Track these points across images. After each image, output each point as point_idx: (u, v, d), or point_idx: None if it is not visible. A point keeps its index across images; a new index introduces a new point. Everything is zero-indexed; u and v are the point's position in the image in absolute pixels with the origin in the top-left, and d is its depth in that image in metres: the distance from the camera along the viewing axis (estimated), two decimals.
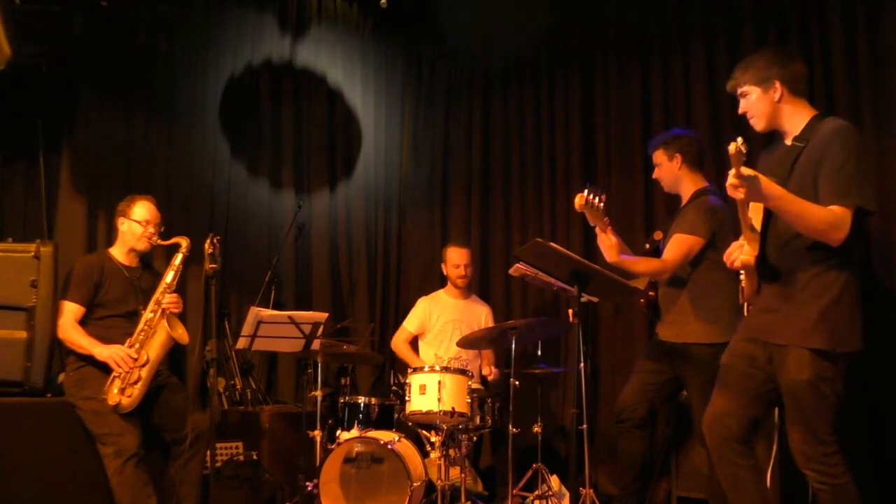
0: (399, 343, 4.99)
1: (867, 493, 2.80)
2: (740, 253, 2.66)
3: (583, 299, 3.63)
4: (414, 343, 5.00)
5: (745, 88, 2.80)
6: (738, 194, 2.47)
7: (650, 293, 3.83)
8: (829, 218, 2.53)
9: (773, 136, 2.91)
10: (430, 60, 6.19)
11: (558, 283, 4.08)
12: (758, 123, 2.82)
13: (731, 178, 2.43)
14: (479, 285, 5.49)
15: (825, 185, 2.58)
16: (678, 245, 3.53)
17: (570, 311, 4.09)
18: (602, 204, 3.22)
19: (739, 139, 2.35)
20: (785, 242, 2.67)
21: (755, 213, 2.67)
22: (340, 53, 5.97)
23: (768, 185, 2.49)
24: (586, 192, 3.15)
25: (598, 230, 3.42)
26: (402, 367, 4.92)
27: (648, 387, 3.71)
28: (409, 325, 4.98)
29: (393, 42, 6.21)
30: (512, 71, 5.72)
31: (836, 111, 4.06)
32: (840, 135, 2.61)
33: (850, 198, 2.55)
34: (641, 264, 3.57)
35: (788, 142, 2.78)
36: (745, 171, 2.41)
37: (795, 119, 2.77)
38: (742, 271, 2.73)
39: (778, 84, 2.74)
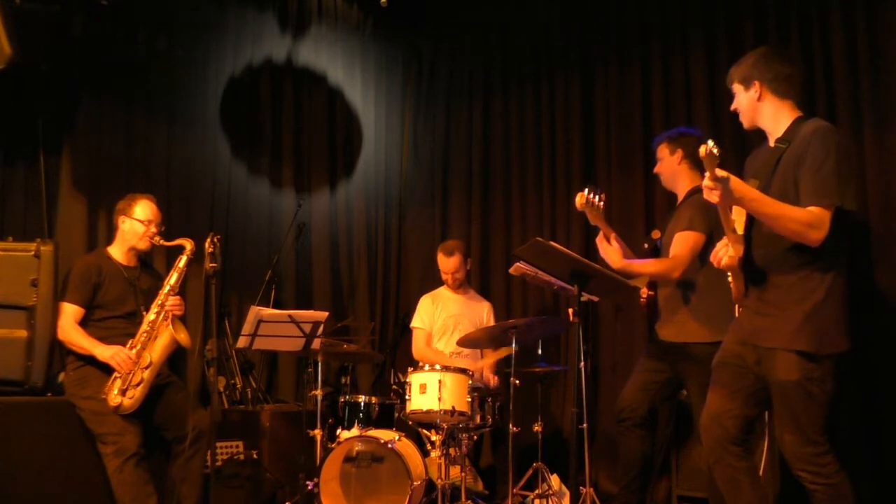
0: (421, 348, 4.85)
1: (866, 495, 2.80)
2: (725, 253, 2.67)
3: (583, 298, 3.63)
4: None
5: (733, 86, 2.87)
6: (714, 197, 2.50)
7: (649, 292, 3.84)
8: (806, 218, 2.55)
9: (765, 137, 2.93)
10: (430, 60, 6.19)
11: (558, 283, 4.08)
12: (743, 121, 2.89)
13: (706, 181, 2.46)
14: (480, 284, 5.49)
15: (804, 185, 2.60)
16: (682, 242, 3.54)
17: (570, 310, 4.10)
18: (602, 203, 3.27)
19: (710, 142, 2.37)
20: (769, 245, 2.69)
21: (738, 216, 2.69)
22: (341, 53, 5.98)
23: (743, 187, 2.51)
24: (586, 191, 3.21)
25: (599, 237, 3.46)
26: (402, 366, 4.92)
27: (649, 386, 3.72)
28: (422, 323, 4.89)
29: (393, 41, 6.22)
30: (512, 71, 5.71)
31: (836, 110, 4.08)
32: (819, 135, 2.63)
33: (829, 197, 2.56)
34: (650, 266, 3.60)
35: (772, 143, 2.81)
36: (720, 172, 2.43)
37: (777, 120, 2.79)
38: (728, 272, 2.74)
39: (757, 84, 2.78)
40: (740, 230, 2.68)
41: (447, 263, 4.86)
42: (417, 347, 4.90)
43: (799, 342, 2.61)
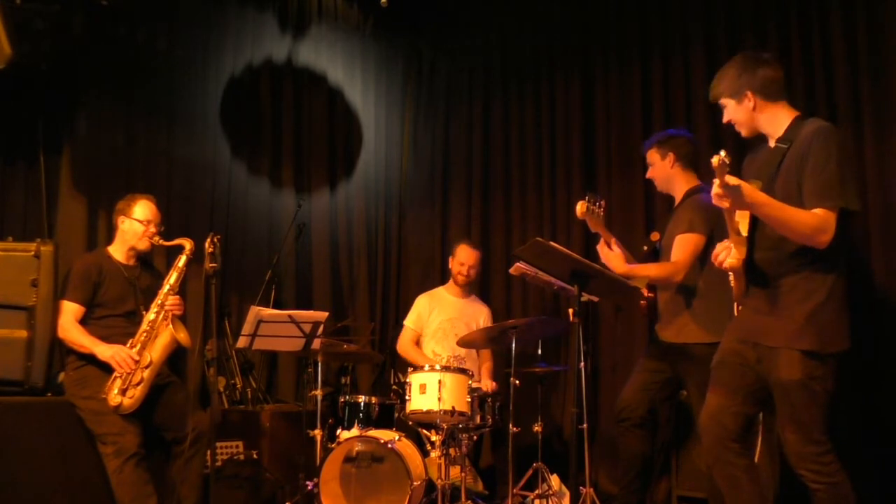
0: (405, 344, 4.92)
1: (867, 494, 2.80)
2: (727, 255, 2.68)
3: (583, 298, 3.63)
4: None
5: (722, 101, 2.87)
6: (724, 203, 2.51)
7: (649, 294, 3.84)
8: (813, 222, 2.56)
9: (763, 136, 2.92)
10: (430, 60, 6.19)
11: (558, 283, 4.08)
12: (741, 131, 2.89)
13: (715, 188, 2.47)
14: (480, 284, 5.48)
15: (808, 187, 2.62)
16: (684, 245, 3.54)
17: (570, 311, 4.09)
18: (602, 210, 3.29)
19: (722, 152, 2.38)
20: (772, 246, 2.70)
21: (742, 217, 2.69)
22: (341, 53, 5.97)
23: (752, 192, 2.52)
24: (587, 198, 3.22)
25: (601, 244, 3.47)
26: (402, 366, 4.92)
27: (649, 386, 3.72)
28: (410, 322, 4.96)
29: (393, 41, 6.22)
30: (512, 71, 5.71)
31: (836, 113, 4.08)
32: (820, 136, 2.64)
33: (833, 199, 2.58)
34: (653, 269, 3.60)
35: (772, 144, 2.82)
36: (730, 180, 2.44)
37: (776, 122, 2.80)
38: (730, 273, 2.74)
39: (750, 94, 2.78)
40: (744, 231, 2.69)
41: (470, 255, 4.88)
42: (402, 343, 4.94)
43: (802, 341, 2.62)
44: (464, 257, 4.90)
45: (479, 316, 4.95)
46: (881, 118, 3.96)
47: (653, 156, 3.79)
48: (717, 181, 2.44)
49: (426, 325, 4.92)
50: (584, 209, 3.30)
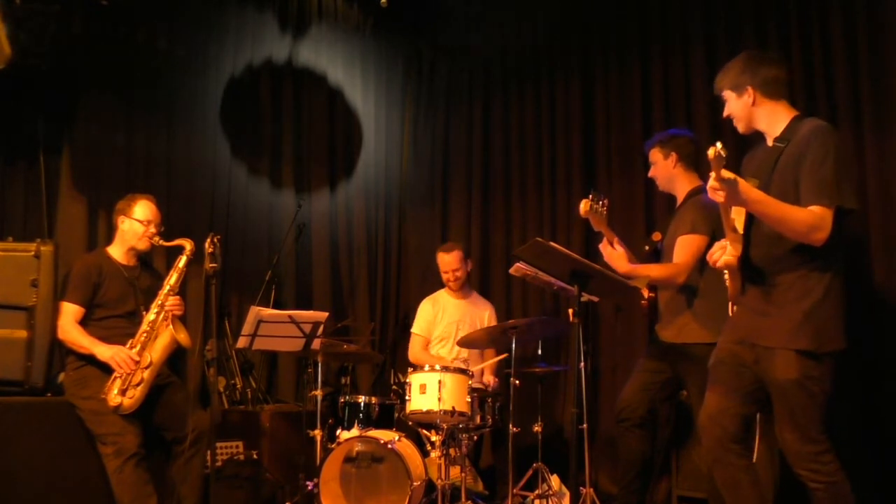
0: (417, 352, 4.88)
1: (867, 495, 2.80)
2: (723, 253, 2.68)
3: (583, 299, 3.63)
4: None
5: (724, 94, 2.89)
6: (719, 197, 2.52)
7: (650, 294, 3.84)
8: (809, 219, 2.57)
9: (762, 136, 2.93)
10: (430, 60, 6.20)
11: (558, 283, 4.08)
12: (738, 126, 2.91)
13: (711, 182, 2.48)
14: (480, 285, 5.49)
15: (805, 185, 2.62)
16: (686, 246, 3.54)
17: (570, 311, 4.09)
18: (605, 209, 3.29)
19: (718, 144, 2.39)
20: (768, 244, 2.70)
21: (738, 215, 2.70)
22: (341, 53, 5.98)
23: (748, 188, 2.53)
24: (590, 197, 3.22)
25: (603, 243, 3.46)
26: (402, 367, 4.92)
27: (649, 386, 3.72)
28: (420, 329, 4.91)
29: (393, 41, 6.23)
30: (512, 71, 5.72)
31: (836, 113, 4.07)
32: (818, 135, 2.65)
33: (830, 197, 2.58)
34: (656, 270, 3.59)
35: (770, 143, 2.83)
36: (725, 174, 2.45)
37: (774, 121, 2.81)
38: (725, 272, 2.74)
39: (750, 89, 2.80)
40: (740, 229, 2.69)
41: (447, 260, 4.85)
42: (413, 352, 4.91)
43: (799, 341, 2.63)
44: (444, 265, 4.88)
45: (483, 315, 4.94)
46: (881, 118, 3.96)
47: (655, 155, 3.79)
48: (712, 175, 2.45)
49: (434, 329, 4.90)
50: (588, 207, 3.27)
